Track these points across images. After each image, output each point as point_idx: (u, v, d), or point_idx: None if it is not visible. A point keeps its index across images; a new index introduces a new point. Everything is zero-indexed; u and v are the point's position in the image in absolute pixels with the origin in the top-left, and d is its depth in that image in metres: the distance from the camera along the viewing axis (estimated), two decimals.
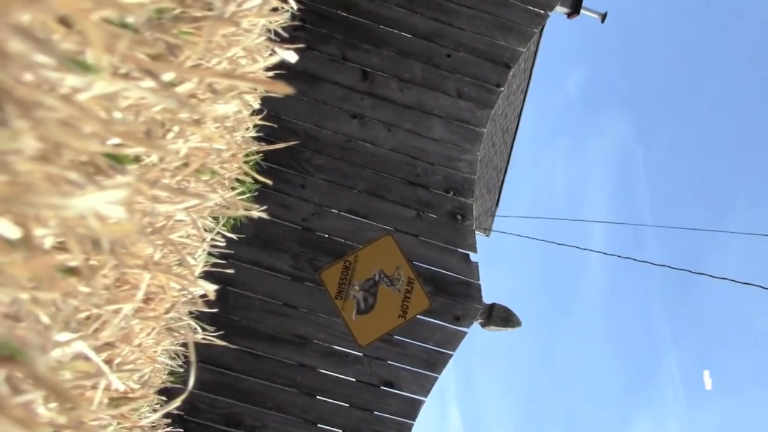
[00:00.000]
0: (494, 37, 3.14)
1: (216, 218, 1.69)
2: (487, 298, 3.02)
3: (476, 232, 3.16)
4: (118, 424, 1.02)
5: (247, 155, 1.82)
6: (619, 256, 5.51)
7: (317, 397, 2.86)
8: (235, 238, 2.53)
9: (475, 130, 3.10)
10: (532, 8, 3.16)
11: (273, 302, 2.88)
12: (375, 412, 2.89)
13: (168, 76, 0.69)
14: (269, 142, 1.87)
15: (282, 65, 1.42)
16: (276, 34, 1.49)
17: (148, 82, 0.59)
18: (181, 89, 0.83)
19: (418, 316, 2.96)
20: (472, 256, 3.03)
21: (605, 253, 5.85)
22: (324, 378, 2.88)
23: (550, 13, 3.20)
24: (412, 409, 2.92)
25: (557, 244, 6.91)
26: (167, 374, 1.77)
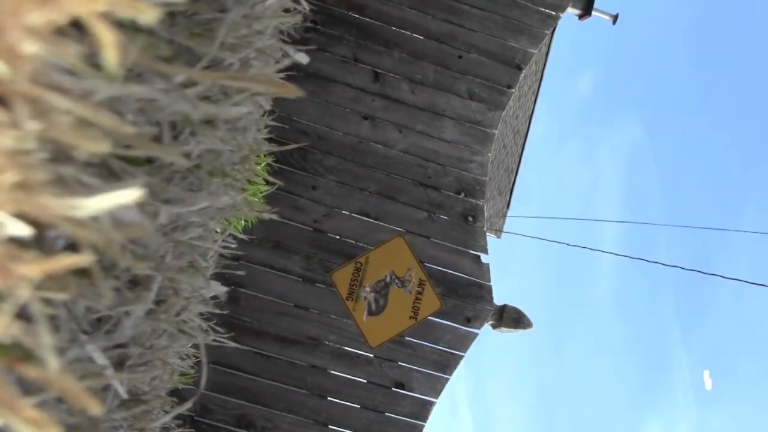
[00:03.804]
0: (506, 38, 3.13)
1: (227, 220, 1.69)
2: (498, 299, 3.01)
3: (487, 233, 3.15)
4: (130, 425, 1.02)
5: (258, 156, 1.82)
6: (630, 257, 5.49)
7: (328, 398, 2.86)
8: (247, 239, 2.54)
9: (486, 132, 3.09)
10: (543, 10, 3.14)
11: (284, 304, 2.88)
12: (386, 414, 2.88)
13: (180, 78, 0.69)
14: (280, 144, 1.87)
15: (294, 66, 1.42)
16: (288, 35, 1.49)
17: (161, 84, 0.60)
18: (193, 91, 0.83)
19: (429, 317, 2.95)
20: (483, 258, 3.02)
21: (616, 254, 5.82)
22: (335, 379, 2.87)
23: (561, 15, 3.18)
24: (423, 411, 2.91)
25: (568, 245, 6.86)
26: (178, 375, 1.78)
